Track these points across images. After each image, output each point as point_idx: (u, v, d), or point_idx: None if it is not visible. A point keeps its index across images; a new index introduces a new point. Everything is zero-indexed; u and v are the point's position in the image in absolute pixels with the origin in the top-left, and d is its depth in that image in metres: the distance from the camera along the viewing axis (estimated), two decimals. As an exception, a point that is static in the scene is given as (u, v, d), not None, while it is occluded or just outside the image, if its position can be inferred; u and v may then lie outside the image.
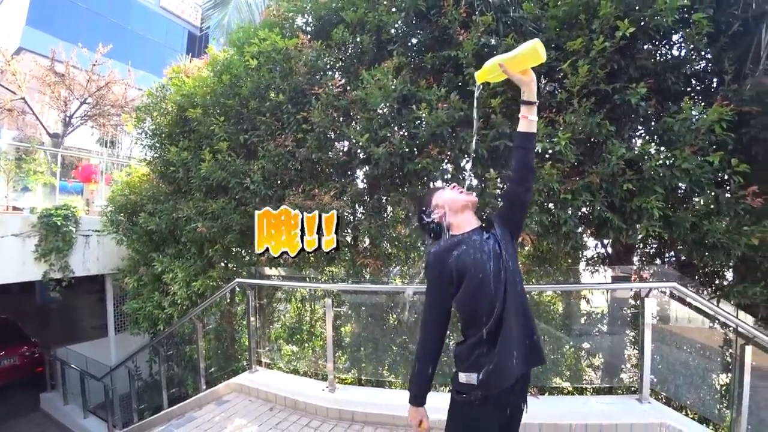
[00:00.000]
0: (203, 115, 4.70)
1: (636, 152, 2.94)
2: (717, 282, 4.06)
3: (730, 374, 3.36)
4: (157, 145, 5.58)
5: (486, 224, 1.72)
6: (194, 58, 6.93)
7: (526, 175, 1.66)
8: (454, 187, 1.81)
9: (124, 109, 10.85)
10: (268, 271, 4.53)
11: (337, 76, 4.18)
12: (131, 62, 11.14)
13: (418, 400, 1.67)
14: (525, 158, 1.62)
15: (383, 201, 4.11)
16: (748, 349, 2.85)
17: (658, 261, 4.28)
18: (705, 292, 3.93)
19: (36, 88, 10.69)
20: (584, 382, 3.72)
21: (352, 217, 4.08)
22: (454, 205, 1.72)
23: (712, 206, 3.08)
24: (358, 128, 3.68)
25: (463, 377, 1.58)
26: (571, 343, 3.87)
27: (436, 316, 1.65)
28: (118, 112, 11.11)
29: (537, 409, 3.05)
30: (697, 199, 3.02)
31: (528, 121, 1.59)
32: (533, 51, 1.52)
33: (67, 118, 10.51)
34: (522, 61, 1.56)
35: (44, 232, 6.36)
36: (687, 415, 3.26)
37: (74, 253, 6.71)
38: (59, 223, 6.36)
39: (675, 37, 3.45)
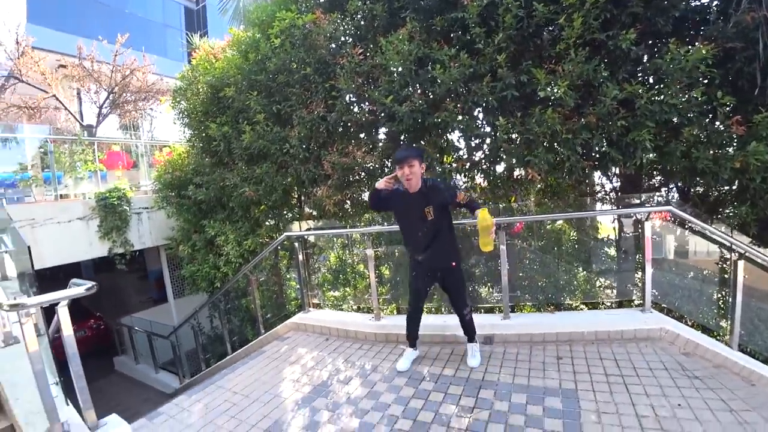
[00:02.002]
0: (236, 92, 5.20)
1: (627, 92, 3.29)
2: (719, 209, 4.43)
3: (726, 289, 3.80)
4: (195, 123, 6.14)
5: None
6: (199, 34, 7.39)
7: None
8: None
9: (149, 94, 11.43)
10: (310, 224, 5.15)
11: (355, 44, 4.56)
12: (134, 45, 11.31)
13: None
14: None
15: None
16: (741, 263, 3.24)
17: (663, 192, 4.68)
18: (709, 219, 4.30)
19: (65, 83, 11.25)
20: (595, 299, 4.24)
21: (381, 170, 4.59)
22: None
23: (701, 136, 3.46)
24: (380, 91, 4.11)
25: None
26: (583, 266, 4.38)
27: None
28: (141, 98, 11.68)
29: (554, 321, 3.61)
30: (686, 130, 3.38)
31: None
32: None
33: (98, 109, 11.14)
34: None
35: (103, 214, 7.10)
36: (686, 324, 3.68)
37: (131, 229, 7.47)
38: (115, 203, 7.10)
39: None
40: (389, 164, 4.62)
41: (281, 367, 3.75)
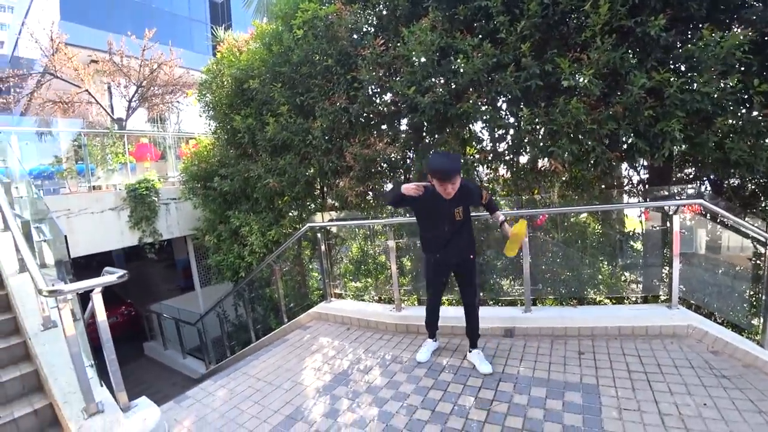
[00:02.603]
0: (260, 84, 5.27)
1: (656, 81, 3.16)
2: (755, 203, 4.23)
3: (759, 286, 3.65)
4: (220, 115, 6.26)
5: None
6: (224, 27, 7.50)
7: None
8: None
9: (176, 87, 11.68)
10: (332, 215, 5.21)
11: (377, 35, 4.54)
12: (161, 39, 11.54)
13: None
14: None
15: (431, 143, 4.57)
16: (775, 259, 3.10)
17: (695, 184, 4.51)
18: (743, 213, 4.12)
19: (96, 78, 11.59)
20: (619, 294, 4.15)
21: (402, 161, 4.59)
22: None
23: (735, 125, 3.31)
24: (402, 81, 4.09)
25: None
26: (608, 260, 4.28)
27: None
28: (168, 91, 11.94)
29: (576, 316, 3.55)
30: (719, 119, 3.24)
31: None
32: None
33: (128, 102, 11.46)
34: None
35: (133, 204, 7.37)
36: (716, 321, 3.54)
37: (159, 219, 7.73)
38: (144, 194, 7.34)
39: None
40: (412, 155, 4.61)
41: (303, 355, 3.83)
